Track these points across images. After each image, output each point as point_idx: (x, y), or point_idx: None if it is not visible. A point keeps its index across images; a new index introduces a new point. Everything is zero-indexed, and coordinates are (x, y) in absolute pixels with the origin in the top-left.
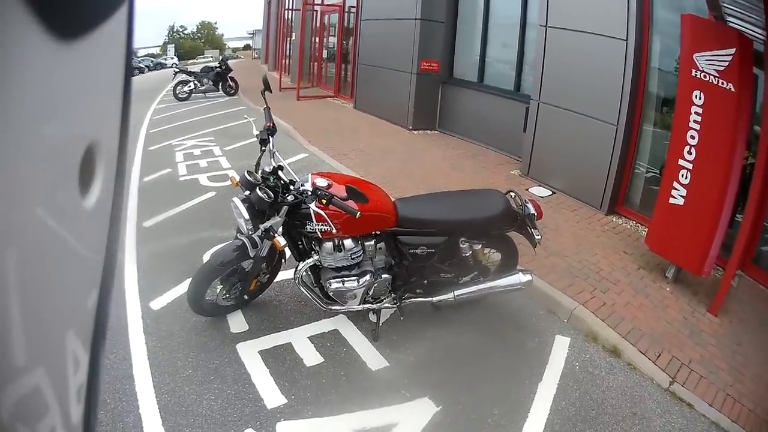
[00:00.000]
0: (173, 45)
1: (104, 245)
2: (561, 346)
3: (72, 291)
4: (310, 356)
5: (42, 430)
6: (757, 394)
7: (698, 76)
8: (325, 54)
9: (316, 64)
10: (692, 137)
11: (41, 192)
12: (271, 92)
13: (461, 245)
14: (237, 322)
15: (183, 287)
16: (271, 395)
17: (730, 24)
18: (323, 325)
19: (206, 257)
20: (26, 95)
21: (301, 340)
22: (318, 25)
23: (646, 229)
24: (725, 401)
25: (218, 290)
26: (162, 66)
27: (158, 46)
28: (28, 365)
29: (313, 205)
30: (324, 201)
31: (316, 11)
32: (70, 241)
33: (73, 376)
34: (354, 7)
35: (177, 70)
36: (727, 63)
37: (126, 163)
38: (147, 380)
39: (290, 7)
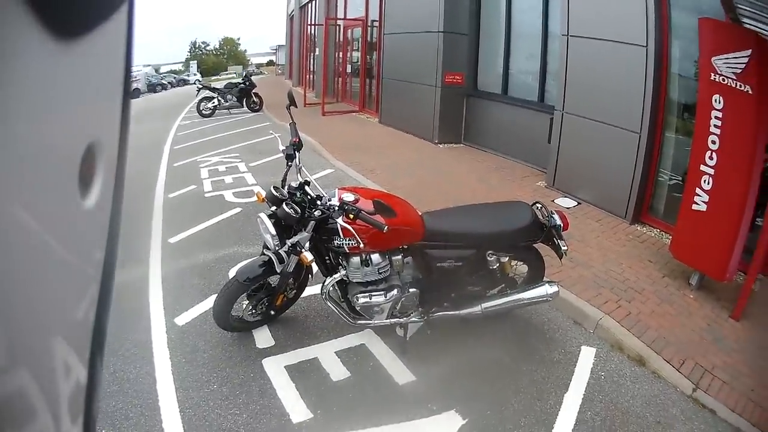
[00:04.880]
0: (195, 61)
1: (104, 246)
2: (587, 357)
3: (68, 294)
4: (337, 371)
5: None
6: None
7: (717, 79)
8: (349, 69)
9: (340, 79)
10: (713, 142)
11: (41, 192)
12: (296, 107)
13: (488, 258)
14: (263, 337)
15: (208, 303)
16: (298, 410)
17: (746, 25)
18: (350, 340)
19: (232, 273)
20: (26, 95)
21: (327, 354)
22: (341, 39)
23: (670, 237)
24: (746, 405)
25: (244, 306)
26: (185, 82)
27: (180, 62)
28: (9, 365)
29: (340, 220)
30: (351, 216)
31: (339, 26)
32: (70, 243)
33: (64, 380)
34: (377, 21)
35: (200, 86)
36: (744, 65)
37: (126, 163)
38: (171, 395)
39: (313, 22)
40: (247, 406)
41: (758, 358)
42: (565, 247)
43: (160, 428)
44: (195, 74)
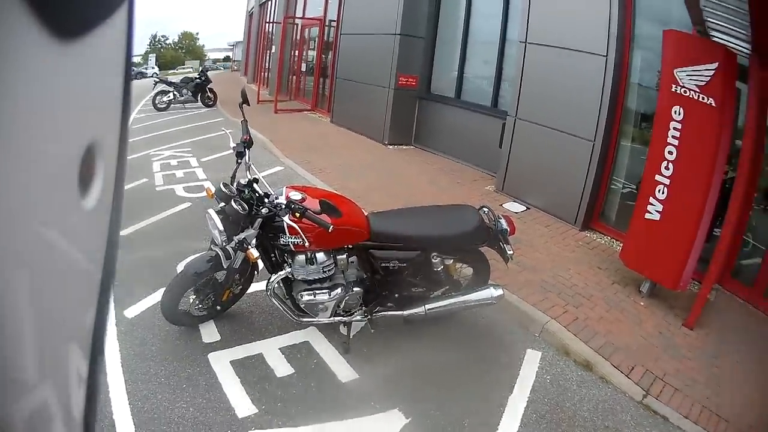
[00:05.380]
0: (154, 55)
1: (104, 247)
2: (532, 360)
3: (73, 297)
4: (281, 367)
5: None
6: (734, 404)
7: (678, 91)
8: (304, 67)
9: (294, 77)
10: (670, 153)
11: (41, 193)
12: (249, 105)
13: (433, 260)
14: (209, 332)
15: (157, 296)
16: (242, 405)
17: (714, 38)
18: (294, 337)
19: (180, 267)
20: (26, 95)
21: (272, 351)
22: (298, 38)
23: (621, 245)
24: (701, 413)
25: (191, 300)
26: (143, 75)
27: (140, 55)
28: (38, 380)
29: (286, 218)
30: (297, 214)
31: (297, 24)
32: (71, 244)
33: (76, 387)
34: (335, 21)
35: (157, 80)
36: (709, 78)
37: (126, 163)
38: (121, 387)
39: (271, 20)
40: (194, 400)
41: (713, 366)
42: (511, 252)
43: (110, 420)
44: (153, 67)
